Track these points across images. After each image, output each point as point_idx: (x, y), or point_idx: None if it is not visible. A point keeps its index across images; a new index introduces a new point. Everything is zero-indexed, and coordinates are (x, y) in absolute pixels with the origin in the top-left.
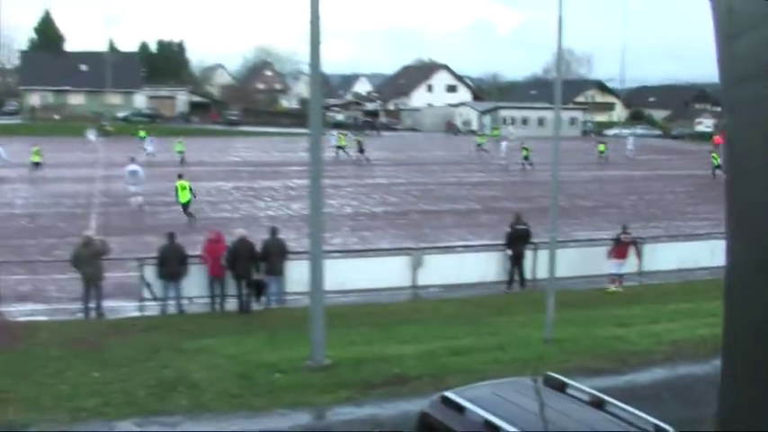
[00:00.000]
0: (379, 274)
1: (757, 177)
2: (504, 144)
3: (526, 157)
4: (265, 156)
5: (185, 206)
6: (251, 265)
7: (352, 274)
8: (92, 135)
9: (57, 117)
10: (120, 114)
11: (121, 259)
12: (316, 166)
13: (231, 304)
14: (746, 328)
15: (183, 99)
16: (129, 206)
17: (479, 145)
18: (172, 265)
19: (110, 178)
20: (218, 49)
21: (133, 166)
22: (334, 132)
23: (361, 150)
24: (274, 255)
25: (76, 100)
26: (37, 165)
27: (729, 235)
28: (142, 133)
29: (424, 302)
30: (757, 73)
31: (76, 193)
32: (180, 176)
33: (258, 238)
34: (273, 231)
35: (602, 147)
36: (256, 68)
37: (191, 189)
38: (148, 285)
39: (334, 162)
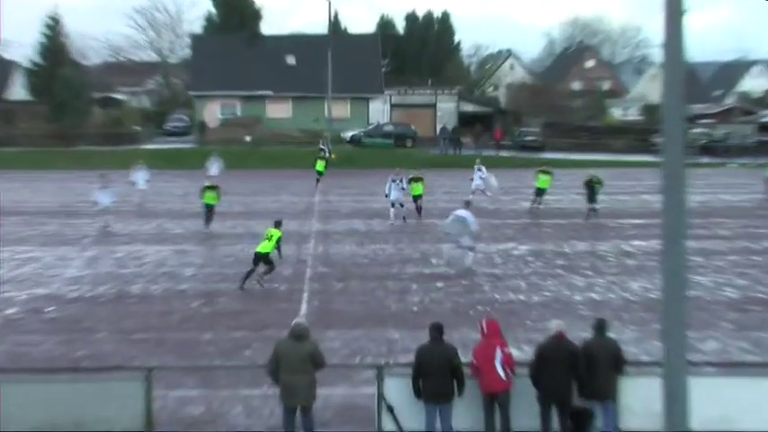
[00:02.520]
0: None
1: None
2: None
3: None
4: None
5: (264, 258)
6: (568, 380)
7: (741, 404)
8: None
9: None
10: None
11: (348, 367)
12: (675, 217)
13: None
14: None
15: None
16: None
17: None
18: (435, 376)
19: None
20: None
21: None
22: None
23: None
24: (602, 366)
25: None
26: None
27: None
28: None
29: None
30: None
31: None
32: (277, 224)
33: (575, 337)
34: (600, 327)
35: None
36: None
37: (278, 244)
38: (391, 409)
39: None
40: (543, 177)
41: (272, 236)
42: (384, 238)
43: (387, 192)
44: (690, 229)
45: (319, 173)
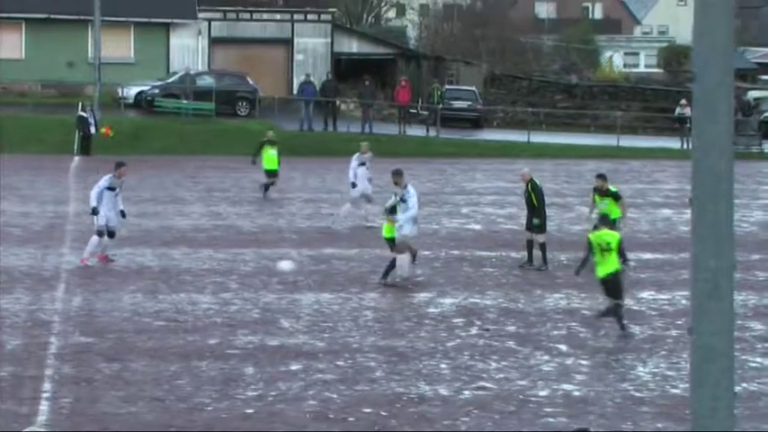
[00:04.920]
0: None
1: None
2: None
3: None
4: None
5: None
6: None
7: None
8: None
9: None
10: None
11: None
12: (714, 249)
13: None
14: None
15: None
16: None
17: None
18: None
19: None
20: None
21: None
22: None
23: None
24: None
25: None
26: None
27: None
28: None
29: None
30: None
31: None
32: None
33: None
34: None
35: None
36: None
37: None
38: None
39: None
40: (604, 203)
41: (609, 242)
42: (197, 280)
43: (95, 202)
44: (742, 269)
45: (271, 172)
